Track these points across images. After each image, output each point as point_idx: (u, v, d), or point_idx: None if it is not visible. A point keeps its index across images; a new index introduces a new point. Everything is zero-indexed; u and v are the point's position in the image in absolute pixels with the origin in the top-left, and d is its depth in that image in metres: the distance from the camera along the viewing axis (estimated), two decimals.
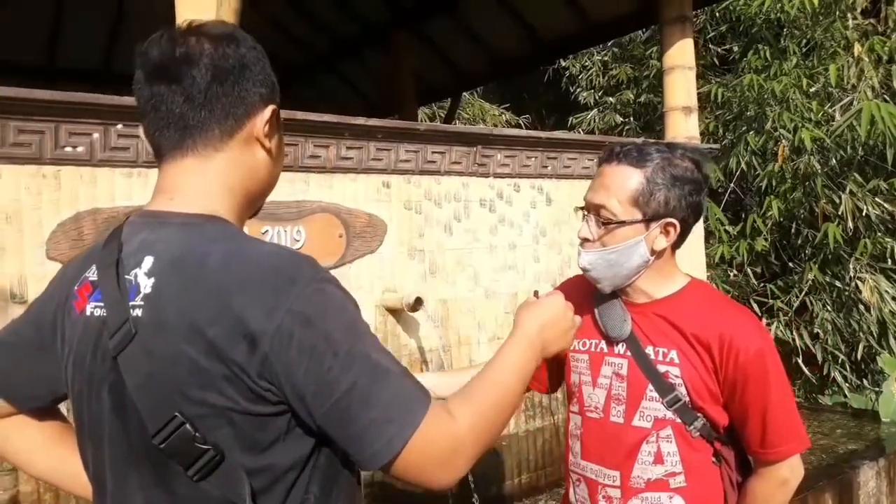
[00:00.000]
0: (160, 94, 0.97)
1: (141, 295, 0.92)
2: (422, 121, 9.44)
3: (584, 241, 1.47)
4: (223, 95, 0.98)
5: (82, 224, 2.27)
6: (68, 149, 2.25)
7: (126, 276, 0.94)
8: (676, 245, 1.49)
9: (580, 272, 1.56)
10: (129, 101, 2.31)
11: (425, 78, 7.01)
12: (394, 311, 2.98)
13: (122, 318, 0.91)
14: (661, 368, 1.44)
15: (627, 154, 1.43)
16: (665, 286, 1.50)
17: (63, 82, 2.41)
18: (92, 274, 0.99)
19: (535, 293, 1.33)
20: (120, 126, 2.32)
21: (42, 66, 7.05)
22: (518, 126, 11.15)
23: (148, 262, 0.93)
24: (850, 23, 6.43)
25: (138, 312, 0.91)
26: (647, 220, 1.41)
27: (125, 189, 2.36)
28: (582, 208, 1.51)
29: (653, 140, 1.53)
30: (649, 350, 1.46)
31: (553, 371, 1.73)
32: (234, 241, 0.95)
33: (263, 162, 1.05)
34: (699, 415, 1.43)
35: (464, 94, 10.73)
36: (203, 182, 0.99)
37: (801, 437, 1.44)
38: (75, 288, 1.01)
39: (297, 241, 2.71)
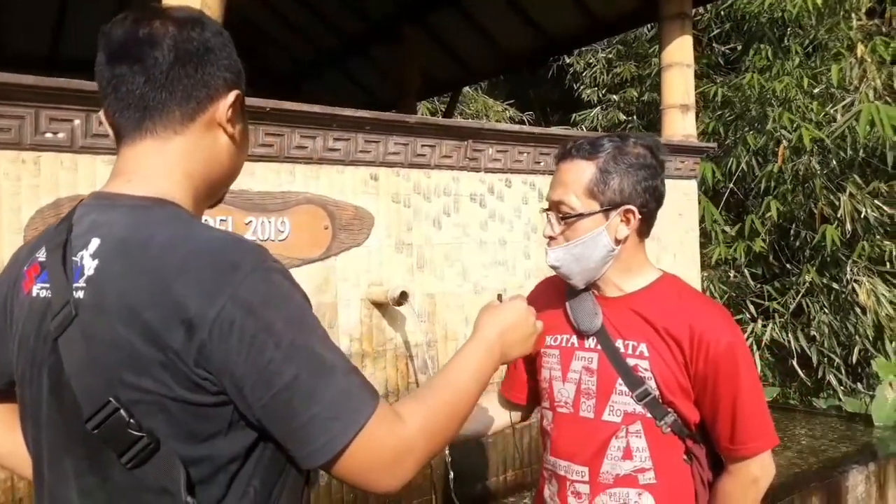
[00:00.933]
0: (121, 75, 0.96)
1: (84, 277, 0.90)
2: (422, 115, 9.41)
3: (550, 239, 1.49)
4: (185, 77, 0.97)
5: (62, 210, 2.25)
6: (49, 135, 2.23)
7: (73, 258, 0.92)
8: (643, 234, 1.50)
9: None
10: None
11: (429, 72, 6.99)
12: (379, 305, 2.96)
13: (64, 299, 0.90)
14: (631, 362, 1.43)
15: (580, 148, 1.45)
16: (636, 279, 1.50)
17: (68, 72, 2.39)
18: (41, 255, 0.97)
19: (499, 297, 1.32)
20: (101, 112, 2.30)
21: (46, 55, 7.05)
22: (522, 122, 11.11)
23: (94, 244, 0.92)
24: (854, 23, 6.39)
25: (80, 294, 0.89)
26: (606, 210, 1.43)
27: (107, 176, 2.32)
28: (546, 209, 1.52)
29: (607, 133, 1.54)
30: (619, 343, 1.46)
31: (532, 382, 1.71)
32: (180, 225, 0.92)
33: (225, 148, 1.03)
34: (669, 410, 1.42)
35: (468, 89, 10.73)
36: (160, 164, 0.98)
37: (771, 434, 1.44)
38: (25, 268, 0.99)
39: (282, 231, 2.69)
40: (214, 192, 1.07)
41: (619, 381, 1.44)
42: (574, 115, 9.95)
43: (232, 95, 1.01)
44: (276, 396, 0.84)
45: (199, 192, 1.02)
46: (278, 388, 0.84)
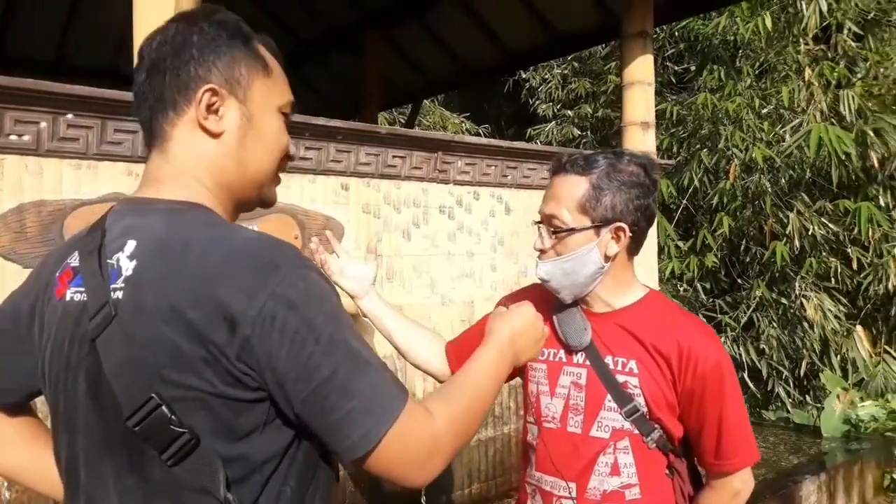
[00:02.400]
0: (134, 93, 1.01)
1: (122, 278, 0.91)
2: (382, 125, 9.39)
3: (541, 252, 1.49)
4: (157, 87, 0.98)
5: (25, 216, 2.17)
6: (13, 137, 2.15)
7: (108, 261, 0.93)
8: (633, 252, 1.51)
9: (536, 282, 1.57)
10: (80, 89, 2.23)
11: (390, 82, 6.99)
12: None
13: (102, 300, 0.90)
14: (620, 378, 1.44)
15: (574, 163, 1.46)
16: (624, 295, 1.52)
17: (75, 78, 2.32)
18: (74, 260, 0.98)
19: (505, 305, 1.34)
20: (70, 116, 2.23)
21: (52, 61, 6.87)
22: (478, 135, 11.19)
23: (131, 245, 0.92)
24: (802, 48, 6.63)
25: (119, 295, 0.90)
26: (597, 226, 1.43)
27: (73, 181, 2.27)
28: (538, 222, 1.52)
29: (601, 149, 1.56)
30: (608, 360, 1.46)
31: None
32: (216, 228, 0.94)
33: (214, 147, 0.99)
34: (656, 426, 1.44)
35: (425, 101, 10.74)
36: (170, 173, 0.99)
37: (753, 450, 1.46)
38: (57, 274, 1.00)
39: None
40: (237, 195, 1.03)
41: (609, 397, 1.45)
42: (529, 129, 10.06)
43: (200, 92, 0.97)
44: (316, 391, 0.86)
45: (218, 196, 1.01)
46: (318, 381, 0.86)
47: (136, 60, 1.01)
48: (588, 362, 1.48)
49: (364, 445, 0.87)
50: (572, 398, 1.49)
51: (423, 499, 2.62)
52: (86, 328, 0.91)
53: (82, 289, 0.94)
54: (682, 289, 6.75)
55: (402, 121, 10.27)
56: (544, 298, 1.56)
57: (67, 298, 0.96)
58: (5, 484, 2.09)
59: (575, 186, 1.45)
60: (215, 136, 0.99)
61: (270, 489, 0.91)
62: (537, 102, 10.25)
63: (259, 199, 1.07)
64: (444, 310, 3.32)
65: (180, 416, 0.86)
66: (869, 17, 6.48)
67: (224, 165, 1.00)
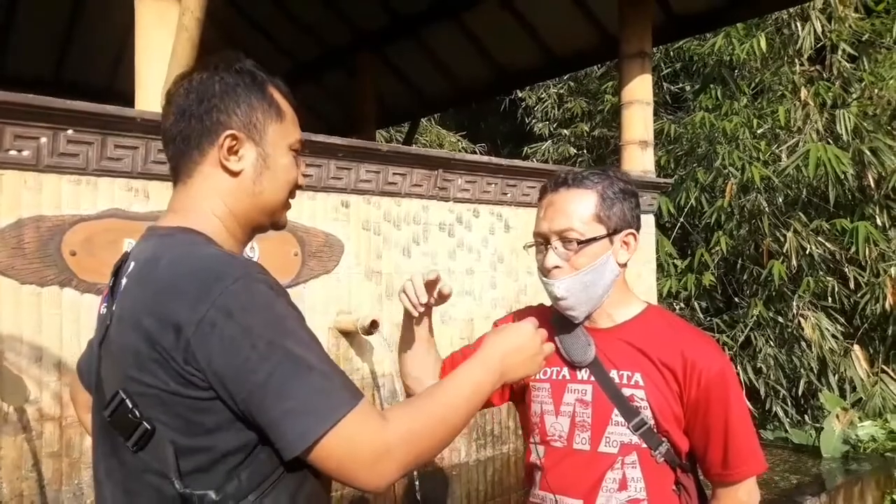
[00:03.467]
0: (162, 131, 1.15)
1: (119, 294, 1.06)
2: (382, 143, 9.41)
3: (555, 269, 1.46)
4: (185, 130, 1.11)
5: (24, 231, 2.15)
6: (13, 152, 2.13)
7: (121, 280, 1.08)
8: (626, 264, 1.53)
9: (530, 304, 1.59)
10: (80, 105, 2.22)
11: (386, 101, 7.00)
12: (347, 334, 2.91)
13: (108, 315, 1.07)
14: (627, 392, 1.44)
15: (575, 178, 1.49)
16: (625, 309, 1.52)
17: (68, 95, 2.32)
18: (111, 281, 1.14)
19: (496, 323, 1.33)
20: (70, 131, 2.22)
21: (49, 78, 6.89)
22: (474, 153, 11.22)
23: (131, 266, 1.07)
24: (798, 68, 6.69)
25: (115, 308, 1.06)
26: (611, 234, 1.45)
27: (73, 197, 2.26)
28: (533, 245, 1.52)
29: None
30: (613, 374, 1.46)
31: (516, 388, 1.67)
32: (188, 247, 1.04)
33: (233, 184, 1.12)
34: (664, 439, 1.43)
35: (421, 119, 10.79)
36: (187, 203, 1.12)
37: (760, 459, 1.46)
38: (105, 292, 1.17)
39: (251, 257, 2.63)
40: (250, 221, 1.16)
41: (615, 411, 1.44)
42: (525, 147, 10.10)
43: (222, 137, 1.10)
44: (252, 393, 0.93)
45: (228, 224, 1.12)
46: (253, 385, 0.92)
47: (163, 102, 1.15)
48: (593, 378, 1.47)
49: (301, 443, 0.92)
50: (578, 415, 1.48)
51: None
52: (99, 337, 1.09)
53: (106, 303, 1.11)
54: (679, 307, 6.74)
55: (400, 138, 10.29)
56: (543, 319, 1.55)
57: (101, 312, 1.14)
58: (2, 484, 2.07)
59: (584, 199, 1.46)
60: (235, 174, 1.12)
61: (230, 479, 0.98)
62: (533, 121, 10.31)
63: (271, 223, 1.21)
64: (444, 327, 3.30)
65: (142, 409, 0.98)
66: (863, 39, 6.54)
67: (241, 198, 1.13)
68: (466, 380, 1.10)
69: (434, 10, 5.87)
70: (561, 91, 10.00)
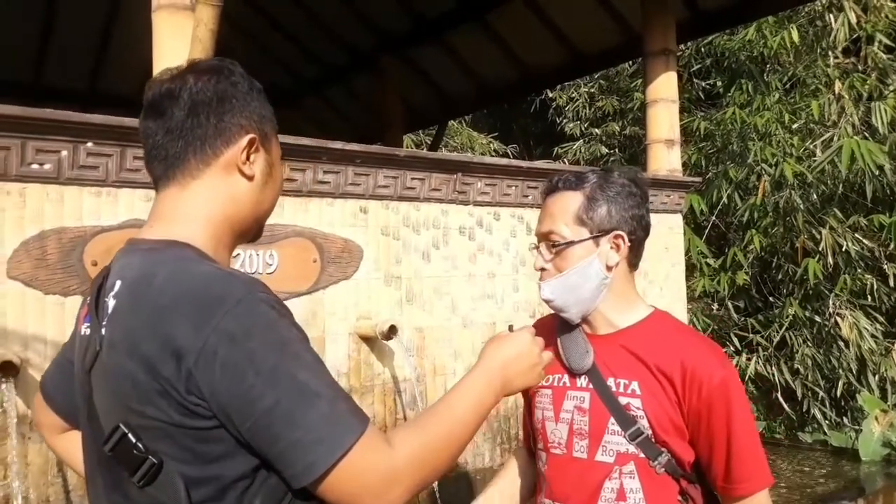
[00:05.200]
0: (148, 129, 1.07)
1: (107, 316, 1.00)
2: (407, 147, 9.45)
3: (542, 271, 1.48)
4: (197, 127, 1.05)
5: (46, 243, 2.21)
6: (35, 166, 2.19)
7: (105, 300, 1.02)
8: (633, 265, 1.51)
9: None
10: (98, 118, 2.27)
11: (413, 105, 7.02)
12: (367, 339, 2.93)
13: (95, 338, 1.01)
14: (623, 400, 1.41)
15: (566, 181, 1.48)
16: (627, 314, 1.49)
17: (52, 102, 2.39)
18: (90, 298, 1.09)
19: (510, 328, 1.31)
20: (90, 144, 2.27)
21: (31, 84, 7.06)
22: (506, 155, 11.19)
23: (117, 285, 1.01)
24: (832, 61, 6.53)
25: (104, 332, 0.99)
26: (596, 237, 1.44)
27: (93, 208, 2.31)
28: (535, 246, 1.52)
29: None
30: (611, 382, 1.44)
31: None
32: (181, 263, 0.99)
33: (245, 189, 1.09)
34: (663, 449, 1.40)
35: (452, 122, 10.80)
36: (180, 209, 1.06)
37: (766, 473, 1.41)
38: (82, 311, 1.12)
39: (270, 265, 2.66)
40: (242, 229, 1.13)
41: (612, 420, 1.41)
42: (556, 147, 10.04)
43: (244, 140, 1.07)
44: (257, 421, 0.89)
45: (222, 231, 1.08)
46: (259, 413, 0.89)
47: (162, 97, 1.07)
48: (591, 385, 1.45)
49: (310, 475, 0.89)
50: (576, 423, 1.46)
51: None
52: (87, 362, 1.02)
53: (89, 324, 1.04)
54: (713, 307, 6.63)
55: (429, 142, 10.32)
56: (551, 326, 1.55)
57: (83, 333, 1.07)
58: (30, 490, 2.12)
59: (569, 201, 1.45)
60: (250, 178, 1.09)
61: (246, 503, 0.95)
62: (564, 121, 10.23)
63: (256, 232, 1.18)
64: (466, 331, 3.30)
65: (147, 442, 0.93)
66: None
67: (244, 204, 1.10)
68: (469, 395, 1.08)
69: (458, 12, 5.87)
70: (592, 90, 9.91)
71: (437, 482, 2.90)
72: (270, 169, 1.13)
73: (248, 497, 0.95)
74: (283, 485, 0.95)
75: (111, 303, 1.00)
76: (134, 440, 0.93)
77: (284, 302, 1.00)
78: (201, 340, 0.89)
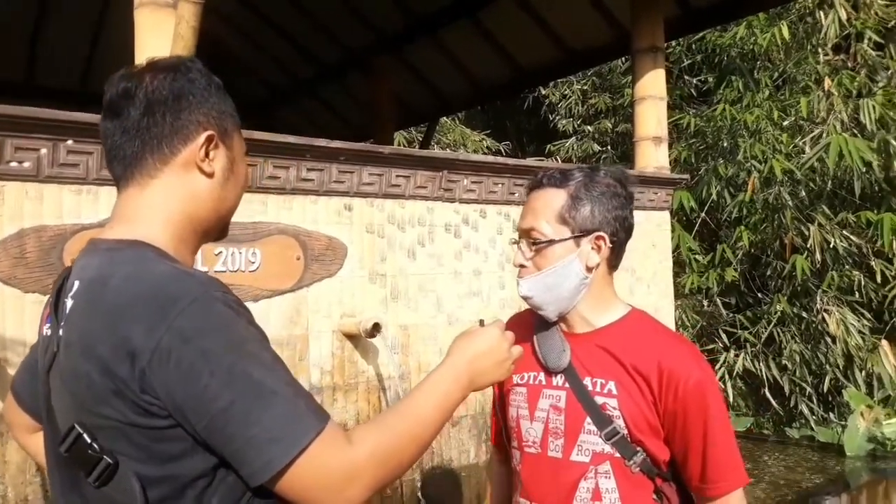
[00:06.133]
0: (107, 130, 1.07)
1: (65, 317, 1.00)
2: (399, 145, 9.44)
3: (521, 268, 1.47)
4: (153, 126, 1.04)
5: (26, 241, 2.20)
6: (14, 164, 2.18)
7: (65, 300, 1.01)
8: (612, 266, 1.50)
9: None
10: (79, 116, 2.27)
11: (405, 102, 7.02)
12: (351, 337, 2.93)
13: (53, 338, 1.01)
14: (599, 400, 1.41)
15: (551, 178, 1.47)
16: (605, 314, 1.49)
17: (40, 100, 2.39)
18: (51, 299, 1.09)
19: (481, 322, 1.29)
20: (70, 142, 2.27)
21: (22, 83, 7.04)
22: (498, 152, 11.19)
23: (75, 286, 1.00)
24: (822, 58, 6.55)
25: (61, 333, 0.99)
26: (577, 237, 1.43)
27: (74, 206, 2.30)
28: (516, 241, 1.51)
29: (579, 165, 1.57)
30: (587, 381, 1.44)
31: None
32: (138, 264, 0.98)
33: (205, 186, 1.08)
34: (639, 449, 1.40)
35: (446, 119, 10.79)
36: (140, 209, 1.05)
37: (741, 473, 1.42)
38: (45, 311, 1.12)
39: (253, 262, 2.66)
40: (205, 228, 1.12)
41: (588, 419, 1.42)
42: (549, 145, 10.04)
43: (202, 137, 1.06)
44: (213, 420, 0.89)
45: (184, 230, 1.07)
46: (215, 412, 0.89)
47: (119, 97, 1.06)
48: (567, 384, 1.45)
49: (267, 472, 0.89)
50: (552, 421, 1.46)
51: None
52: (45, 362, 1.03)
53: (49, 325, 1.05)
54: (703, 304, 6.65)
55: (420, 139, 10.32)
56: (527, 323, 1.55)
57: (45, 334, 1.07)
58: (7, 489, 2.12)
59: (553, 198, 1.44)
60: (209, 175, 1.08)
61: (204, 502, 0.95)
62: (557, 118, 10.24)
63: (220, 232, 1.17)
64: (451, 329, 3.30)
65: (102, 442, 0.93)
66: (889, 26, 6.38)
67: (205, 202, 1.09)
68: (434, 391, 1.07)
69: (451, 10, 5.86)
70: (585, 87, 9.92)
71: (420, 480, 2.91)
72: (232, 165, 1.12)
73: (208, 496, 0.94)
74: (242, 483, 0.94)
75: (69, 303, 0.99)
76: (89, 440, 0.92)
77: (268, 300, 1.00)
78: (155, 340, 0.89)
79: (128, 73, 1.08)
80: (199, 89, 1.08)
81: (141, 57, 2.44)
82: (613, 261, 1.50)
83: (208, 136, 1.07)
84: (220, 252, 2.58)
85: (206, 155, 1.07)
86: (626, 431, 1.39)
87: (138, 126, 1.04)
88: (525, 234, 1.47)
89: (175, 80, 1.06)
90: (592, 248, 1.44)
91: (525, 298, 1.49)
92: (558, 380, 1.47)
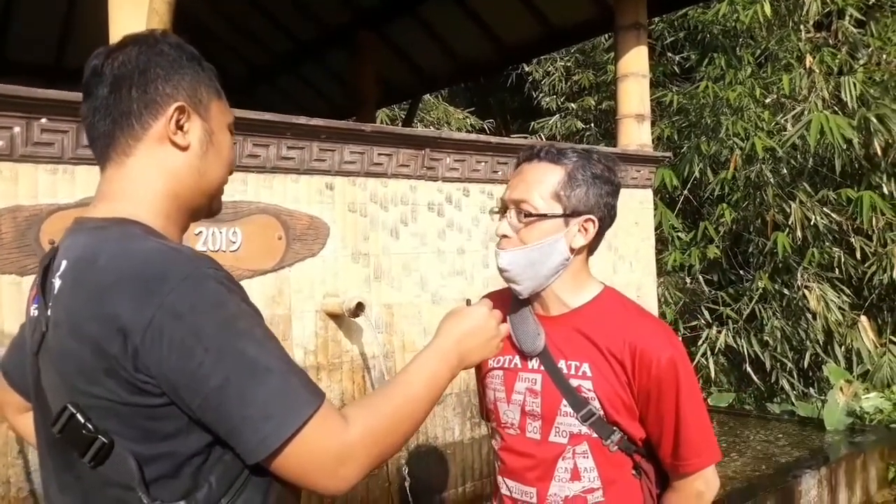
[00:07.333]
0: (83, 112, 1.05)
1: (53, 297, 0.98)
2: (381, 123, 9.37)
3: (503, 238, 1.44)
4: (120, 102, 1.02)
5: (1, 222, 2.16)
6: None
7: (52, 280, 1.00)
8: (592, 249, 1.49)
9: (504, 286, 1.52)
10: (53, 94, 2.22)
11: (387, 79, 6.95)
12: (335, 317, 2.92)
13: (41, 318, 0.99)
14: (574, 382, 1.41)
15: (548, 152, 1.44)
16: (579, 294, 1.48)
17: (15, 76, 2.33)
18: (37, 279, 1.07)
19: (468, 302, 1.29)
20: (44, 120, 2.22)
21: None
22: (482, 130, 11.14)
23: (63, 265, 0.99)
24: (803, 35, 6.55)
25: (49, 313, 0.98)
26: (568, 216, 1.41)
27: (49, 186, 2.26)
28: (497, 211, 1.49)
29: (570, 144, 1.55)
30: (562, 364, 1.43)
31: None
32: (126, 241, 0.96)
33: (181, 160, 1.05)
34: (615, 428, 1.41)
35: (429, 97, 10.71)
36: (121, 188, 1.04)
37: (714, 450, 1.43)
38: (32, 292, 1.09)
39: (234, 242, 2.63)
40: (192, 205, 1.09)
41: (564, 402, 1.41)
42: (533, 122, 10.01)
43: (171, 109, 1.03)
44: (207, 399, 0.88)
45: (169, 206, 1.05)
46: (208, 391, 0.88)
47: (88, 74, 1.04)
48: (542, 368, 1.44)
49: (263, 450, 0.88)
50: (528, 404, 1.46)
51: (410, 497, 2.60)
52: (34, 343, 1.01)
53: (37, 306, 1.03)
54: (686, 281, 6.69)
55: (403, 117, 10.25)
56: (503, 303, 1.53)
57: (32, 314, 1.05)
58: None
59: (548, 173, 1.41)
60: (183, 148, 1.05)
61: (200, 482, 0.94)
62: (541, 95, 10.19)
63: (209, 208, 1.14)
64: (435, 308, 3.29)
65: (96, 422, 0.92)
66: (870, 3, 6.39)
67: (185, 177, 1.06)
68: (424, 370, 1.07)
69: None
70: (568, 64, 9.87)
71: (406, 457, 2.92)
72: (210, 136, 1.08)
73: (204, 473, 0.94)
74: (239, 461, 0.94)
75: (57, 283, 0.98)
76: (83, 420, 0.91)
77: (250, 280, 0.98)
78: (147, 318, 0.87)
79: (99, 51, 1.05)
80: (167, 61, 1.04)
81: (115, 31, 2.39)
82: (594, 245, 1.48)
83: (178, 108, 1.03)
84: (201, 232, 2.55)
85: (179, 127, 1.04)
86: (601, 412, 1.39)
87: (107, 104, 1.02)
88: (514, 204, 1.43)
89: (141, 53, 1.03)
90: (579, 231, 1.42)
91: (501, 270, 1.45)
92: (534, 363, 1.46)
